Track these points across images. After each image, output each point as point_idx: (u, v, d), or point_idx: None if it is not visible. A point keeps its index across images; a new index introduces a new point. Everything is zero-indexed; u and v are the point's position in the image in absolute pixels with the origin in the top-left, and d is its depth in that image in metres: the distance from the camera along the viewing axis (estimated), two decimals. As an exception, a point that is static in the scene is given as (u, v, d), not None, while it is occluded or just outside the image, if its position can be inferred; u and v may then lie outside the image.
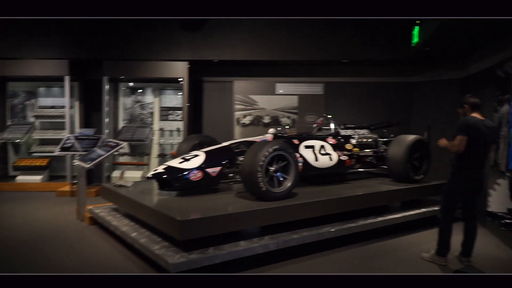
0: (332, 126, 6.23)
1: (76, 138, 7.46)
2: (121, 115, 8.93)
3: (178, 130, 8.77)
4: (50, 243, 4.76)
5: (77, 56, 8.06)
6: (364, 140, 6.28)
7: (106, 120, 8.32)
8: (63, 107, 8.45)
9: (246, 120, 8.72)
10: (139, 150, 8.66)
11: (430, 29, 5.88)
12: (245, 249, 3.88)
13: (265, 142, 4.57)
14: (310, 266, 4.14)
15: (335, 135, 6.12)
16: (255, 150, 4.44)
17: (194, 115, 8.80)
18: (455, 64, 7.70)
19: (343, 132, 6.27)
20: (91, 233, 5.17)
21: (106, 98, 8.26)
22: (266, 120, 8.69)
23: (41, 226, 5.47)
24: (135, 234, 4.26)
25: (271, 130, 5.65)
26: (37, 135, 8.63)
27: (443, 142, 4.35)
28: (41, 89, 8.91)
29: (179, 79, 8.13)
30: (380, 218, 5.15)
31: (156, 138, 8.82)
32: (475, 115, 4.21)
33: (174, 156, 5.58)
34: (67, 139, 7.43)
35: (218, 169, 4.76)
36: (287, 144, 4.72)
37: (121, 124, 8.89)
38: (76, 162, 5.99)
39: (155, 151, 8.80)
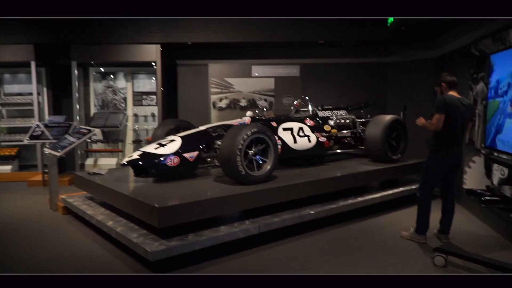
0: (310, 107, 6.18)
1: (46, 125, 7.19)
2: (93, 101, 8.64)
3: (152, 115, 8.56)
4: (22, 234, 4.58)
5: (42, 41, 7.71)
6: (342, 121, 6.25)
7: (77, 106, 8.04)
8: (30, 94, 8.11)
9: (223, 103, 8.58)
10: (113, 137, 8.43)
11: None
12: (225, 234, 3.80)
13: (243, 125, 4.48)
14: (291, 248, 4.12)
15: (313, 116, 6.07)
16: (233, 133, 4.34)
17: (169, 100, 8.60)
18: (430, 44, 7.74)
19: (321, 114, 6.22)
20: (65, 223, 5.00)
21: (75, 83, 7.96)
22: (243, 103, 8.58)
23: (12, 217, 5.26)
24: (111, 223, 4.12)
25: (249, 113, 5.56)
26: (4, 123, 8.30)
27: (421, 121, 4.36)
28: (6, 76, 8.52)
29: (152, 63, 7.89)
30: (360, 199, 5.16)
31: (130, 124, 8.59)
32: (452, 93, 4.21)
33: (149, 142, 5.43)
34: (36, 127, 7.15)
35: (195, 154, 4.64)
36: (265, 127, 4.64)
37: (93, 110, 8.60)
38: (47, 151, 5.76)
39: (129, 137, 8.58)
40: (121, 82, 8.68)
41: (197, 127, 5.24)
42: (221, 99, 8.57)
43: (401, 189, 5.79)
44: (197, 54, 8.64)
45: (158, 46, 7.76)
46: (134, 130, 8.58)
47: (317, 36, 7.92)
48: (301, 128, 5.66)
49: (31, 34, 7.61)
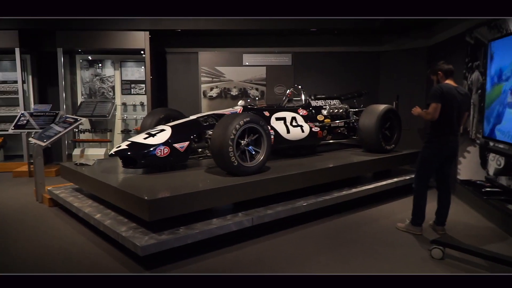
0: (303, 97, 6.06)
1: (31, 114, 7.01)
2: (80, 90, 8.41)
3: (142, 104, 8.36)
4: (7, 226, 4.43)
5: (27, 27, 7.44)
6: (335, 110, 6.15)
7: (63, 95, 7.81)
8: (15, 82, 7.86)
9: (213, 92, 8.41)
10: (101, 126, 8.23)
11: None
12: (218, 227, 3.69)
13: (235, 115, 4.35)
14: (285, 241, 4.02)
15: (306, 106, 5.95)
16: (225, 123, 4.21)
17: (158, 89, 8.41)
18: (422, 33, 7.64)
19: (314, 103, 6.11)
20: (51, 215, 4.84)
21: (62, 71, 7.72)
22: (234, 92, 8.42)
23: (-4, 209, 5.09)
24: (99, 215, 3.98)
25: (241, 102, 5.42)
26: (-13, 112, 8.03)
27: (416, 110, 4.28)
28: (-10, 63, 8.24)
29: (141, 51, 7.69)
30: (354, 190, 5.09)
31: (118, 113, 8.39)
32: (449, 82, 4.14)
33: (138, 132, 5.28)
34: (22, 116, 6.97)
35: (186, 144, 4.50)
36: (258, 117, 4.51)
37: (80, 99, 8.38)
38: (32, 141, 5.57)
39: (118, 126, 8.38)
40: (109, 70, 8.45)
41: (188, 116, 5.09)
42: (211, 88, 8.40)
43: (395, 179, 5.73)
44: (187, 42, 8.44)
45: (147, 33, 7.55)
46: (123, 120, 8.38)
47: (309, 24, 7.78)
48: (294, 118, 5.54)
49: (15, 19, 7.33)
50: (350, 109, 6.43)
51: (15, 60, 7.56)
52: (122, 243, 3.48)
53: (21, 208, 5.13)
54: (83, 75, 8.40)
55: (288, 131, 5.32)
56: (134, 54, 8.17)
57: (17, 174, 7.04)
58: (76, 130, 7.86)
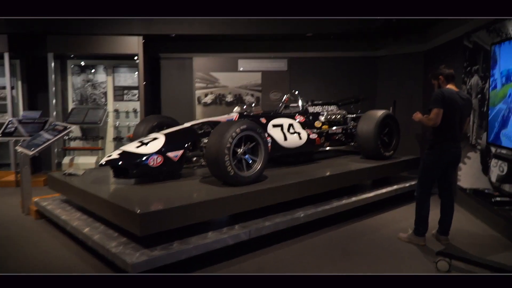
0: (300, 103, 5.91)
1: (20, 121, 6.78)
2: (71, 96, 8.21)
3: (134, 111, 8.16)
4: (-10, 241, 4.21)
5: (17, 31, 7.23)
6: (333, 116, 6.00)
7: (53, 101, 7.60)
8: (3, 87, 7.64)
9: (208, 99, 8.25)
10: (93, 134, 8.02)
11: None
12: (214, 241, 3.50)
13: (231, 122, 4.18)
14: (284, 254, 3.84)
15: (304, 112, 5.80)
16: (221, 131, 4.04)
17: (152, 95, 8.22)
18: (419, 37, 7.54)
19: (311, 109, 5.96)
20: (38, 229, 4.61)
21: (52, 77, 7.52)
22: (229, 98, 8.26)
23: (-20, 222, 4.86)
24: (87, 229, 3.77)
25: (237, 109, 5.26)
26: (-25, 119, 7.79)
27: (417, 116, 4.14)
28: (-23, 69, 8.01)
29: (135, 56, 7.51)
30: (354, 198, 4.93)
31: (110, 120, 8.19)
32: (450, 86, 4.03)
33: (131, 139, 5.09)
34: (10, 123, 6.74)
35: (180, 153, 4.32)
36: (255, 124, 4.34)
37: (70, 105, 8.17)
38: (19, 149, 5.35)
39: (110, 134, 8.18)
40: (101, 76, 8.26)
41: (182, 124, 4.91)
42: (206, 94, 8.23)
43: (395, 187, 5.59)
44: (181, 47, 8.27)
45: (140, 38, 7.39)
46: (115, 127, 8.18)
47: (305, 29, 7.65)
48: (291, 125, 5.39)
49: (5, 23, 7.14)
50: (348, 115, 6.29)
51: (3, 65, 7.35)
52: (112, 260, 3.27)
53: (5, 221, 4.90)
54: (74, 80, 8.20)
55: (285, 139, 5.17)
56: (127, 60, 8.00)
57: (3, 184, 6.80)
58: (67, 137, 7.65)
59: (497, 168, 4.72)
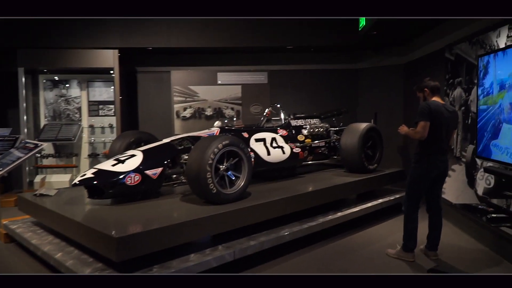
0: (282, 116, 5.79)
1: (-12, 140, 6.45)
2: (43, 112, 7.89)
3: (110, 126, 7.90)
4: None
5: (-15, 45, 6.95)
6: (316, 130, 5.90)
7: (24, 117, 7.26)
8: (-29, 104, 7.30)
9: (187, 113, 8.05)
10: (67, 151, 7.69)
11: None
12: (196, 264, 3.28)
13: (212, 137, 4.01)
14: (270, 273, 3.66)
15: (286, 126, 5.68)
16: (202, 146, 3.86)
17: (129, 110, 8.00)
18: (400, 49, 7.58)
19: (294, 123, 5.85)
20: (7, 253, 4.30)
21: (23, 92, 7.20)
22: (209, 112, 8.09)
23: None
24: (60, 254, 3.50)
25: (217, 123, 5.10)
26: None
27: (403, 129, 4.08)
28: None
29: (110, 70, 7.28)
30: (340, 214, 4.80)
31: (85, 136, 7.90)
32: (436, 99, 3.99)
33: (107, 156, 4.85)
34: (-23, 142, 6.41)
35: (159, 170, 4.12)
36: (237, 139, 4.18)
37: (43, 121, 7.85)
38: (-14, 169, 5.04)
39: (85, 150, 7.87)
40: (75, 91, 7.97)
41: (160, 139, 4.72)
42: (185, 108, 8.04)
43: (380, 200, 5.50)
44: (158, 61, 8.10)
45: (116, 51, 7.17)
46: (90, 143, 7.88)
47: (285, 41, 7.60)
48: (274, 139, 5.26)
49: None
50: (331, 128, 6.21)
51: (-29, 81, 7.04)
52: (86, 288, 3.03)
53: (-28, 245, 4.58)
54: (46, 96, 7.89)
55: (268, 153, 5.02)
56: (102, 74, 7.75)
57: (-29, 205, 6.42)
58: (39, 155, 7.31)
59: (483, 181, 4.66)
